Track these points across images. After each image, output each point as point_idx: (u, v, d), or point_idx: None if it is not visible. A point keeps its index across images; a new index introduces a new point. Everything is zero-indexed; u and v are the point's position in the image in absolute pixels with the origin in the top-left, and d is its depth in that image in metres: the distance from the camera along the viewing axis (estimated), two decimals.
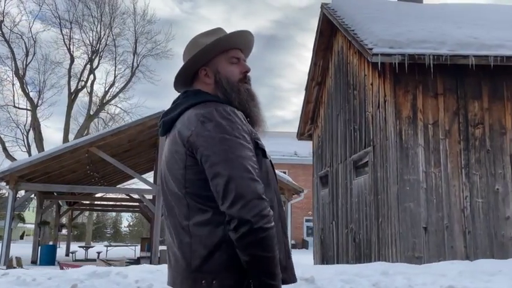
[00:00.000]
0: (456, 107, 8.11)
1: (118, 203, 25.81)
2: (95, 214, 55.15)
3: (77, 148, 16.04)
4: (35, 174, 16.96)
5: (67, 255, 23.73)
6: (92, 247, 26.53)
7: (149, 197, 17.61)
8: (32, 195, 20.03)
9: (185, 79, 1.72)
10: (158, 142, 16.46)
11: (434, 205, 7.78)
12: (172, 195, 1.56)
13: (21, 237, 58.02)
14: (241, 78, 1.67)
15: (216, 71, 1.66)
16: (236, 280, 1.42)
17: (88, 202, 25.83)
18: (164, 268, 5.05)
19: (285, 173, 29.63)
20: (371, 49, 7.83)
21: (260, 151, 1.56)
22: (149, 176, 23.52)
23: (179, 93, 1.73)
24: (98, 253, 23.46)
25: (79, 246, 25.09)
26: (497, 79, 8.21)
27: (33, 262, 18.27)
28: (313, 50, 12.13)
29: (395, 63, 7.72)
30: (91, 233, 49.24)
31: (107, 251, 26.42)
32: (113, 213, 68.25)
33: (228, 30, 1.73)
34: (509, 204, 7.86)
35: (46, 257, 18.46)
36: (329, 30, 11.37)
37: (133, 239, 73.43)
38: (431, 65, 7.68)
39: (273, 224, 1.40)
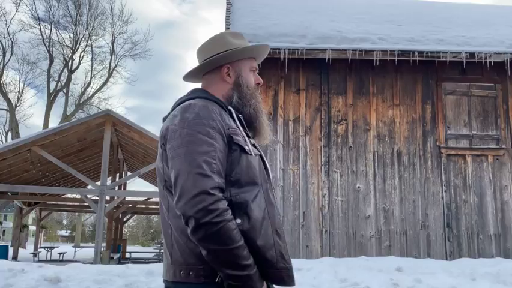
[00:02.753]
0: (319, 102, 7.87)
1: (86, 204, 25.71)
2: (86, 215, 55.27)
3: (19, 147, 15.99)
4: None
5: (35, 255, 23.73)
6: (56, 247, 26.52)
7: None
8: None
9: (200, 71, 1.77)
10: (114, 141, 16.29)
11: (290, 203, 7.55)
12: (159, 189, 1.61)
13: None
14: (255, 87, 1.75)
15: (239, 73, 1.71)
16: (211, 271, 1.43)
17: (54, 202, 25.77)
18: None
19: None
20: None
21: (237, 146, 1.54)
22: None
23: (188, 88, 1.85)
24: (60, 254, 23.45)
25: (41, 247, 25.07)
26: (363, 74, 7.97)
27: None
28: None
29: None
30: (80, 234, 49.43)
31: (75, 251, 26.44)
32: None
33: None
34: (370, 203, 7.60)
35: None
36: None
37: (133, 240, 73.55)
38: (286, 59, 7.46)
39: (226, 217, 1.38)
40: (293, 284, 1.55)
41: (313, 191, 7.61)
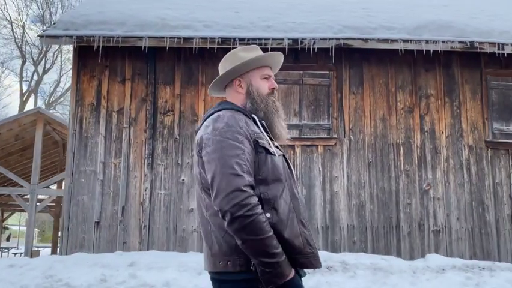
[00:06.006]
0: (145, 93, 7.58)
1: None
2: None
3: None
4: None
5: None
6: (13, 248, 26.47)
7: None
8: None
9: (220, 85, 2.04)
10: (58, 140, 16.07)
11: (110, 198, 7.27)
12: (197, 191, 1.85)
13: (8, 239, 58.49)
14: (269, 92, 1.98)
15: (249, 83, 1.97)
16: (246, 260, 1.64)
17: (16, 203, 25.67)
18: None
19: None
20: (45, 31, 7.41)
21: (263, 149, 1.76)
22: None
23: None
24: (15, 254, 23.37)
25: None
26: (193, 64, 7.67)
27: None
28: None
29: (75, 46, 7.27)
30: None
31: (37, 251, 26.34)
32: None
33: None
34: (194, 196, 7.29)
35: None
36: None
37: None
38: (100, 48, 7.17)
39: (257, 211, 1.60)
40: (320, 266, 1.75)
41: (135, 184, 7.33)
